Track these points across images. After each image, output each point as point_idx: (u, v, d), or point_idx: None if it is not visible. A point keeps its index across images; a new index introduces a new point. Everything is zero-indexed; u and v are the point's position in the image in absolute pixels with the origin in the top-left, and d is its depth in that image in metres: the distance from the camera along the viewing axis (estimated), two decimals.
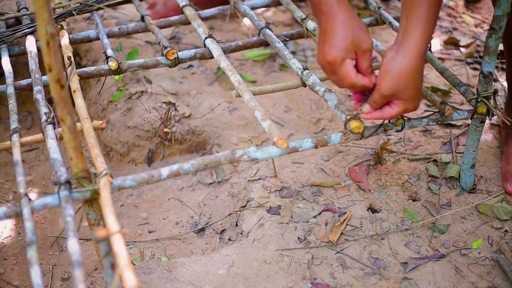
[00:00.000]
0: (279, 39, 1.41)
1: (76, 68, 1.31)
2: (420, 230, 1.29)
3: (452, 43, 2.02)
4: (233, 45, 1.45)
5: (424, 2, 1.01)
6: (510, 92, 1.43)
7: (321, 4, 1.05)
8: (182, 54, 1.39)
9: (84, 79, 1.34)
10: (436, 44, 2.01)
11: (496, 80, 1.80)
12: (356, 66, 1.07)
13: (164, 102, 1.65)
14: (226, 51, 1.43)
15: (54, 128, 1.11)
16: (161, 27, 1.56)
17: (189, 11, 1.56)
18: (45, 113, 1.14)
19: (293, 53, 1.91)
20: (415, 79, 1.04)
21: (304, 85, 1.27)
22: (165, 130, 1.61)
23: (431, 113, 1.22)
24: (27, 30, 1.43)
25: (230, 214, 1.42)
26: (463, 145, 1.50)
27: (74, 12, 1.50)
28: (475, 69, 1.89)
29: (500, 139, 1.52)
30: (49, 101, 1.59)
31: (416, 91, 1.05)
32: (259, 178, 1.43)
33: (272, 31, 1.44)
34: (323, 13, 1.05)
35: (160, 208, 1.51)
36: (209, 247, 1.38)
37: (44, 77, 1.28)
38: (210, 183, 1.54)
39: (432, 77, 1.81)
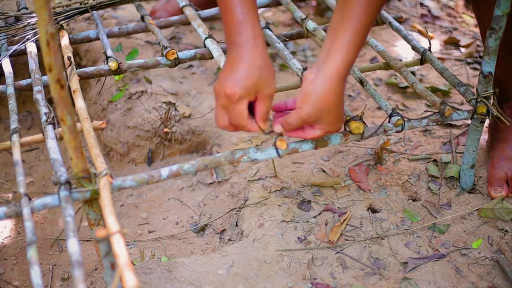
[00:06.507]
0: (279, 39, 1.41)
1: (76, 68, 1.31)
2: (420, 230, 1.29)
3: (452, 43, 2.02)
4: None
5: (350, 28, 0.98)
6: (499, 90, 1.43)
7: (236, 35, 1.02)
8: (182, 54, 1.39)
9: (84, 79, 1.34)
10: (436, 44, 2.01)
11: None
12: (254, 109, 1.04)
13: (164, 102, 1.65)
14: (226, 51, 1.42)
15: (54, 128, 1.11)
16: (161, 27, 1.56)
17: (189, 11, 1.56)
18: (45, 113, 1.14)
19: (293, 53, 1.91)
20: (336, 103, 1.00)
21: None
22: (165, 130, 1.61)
23: (431, 113, 1.22)
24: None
25: (229, 212, 1.42)
26: (463, 145, 1.50)
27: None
28: (475, 69, 1.89)
29: None
30: (49, 101, 1.59)
31: (337, 116, 1.02)
32: (259, 178, 1.43)
33: (272, 31, 1.44)
34: (235, 44, 1.02)
35: (160, 208, 1.51)
36: (209, 247, 1.38)
37: (44, 77, 1.28)
38: (210, 183, 1.54)
39: (432, 77, 1.81)
